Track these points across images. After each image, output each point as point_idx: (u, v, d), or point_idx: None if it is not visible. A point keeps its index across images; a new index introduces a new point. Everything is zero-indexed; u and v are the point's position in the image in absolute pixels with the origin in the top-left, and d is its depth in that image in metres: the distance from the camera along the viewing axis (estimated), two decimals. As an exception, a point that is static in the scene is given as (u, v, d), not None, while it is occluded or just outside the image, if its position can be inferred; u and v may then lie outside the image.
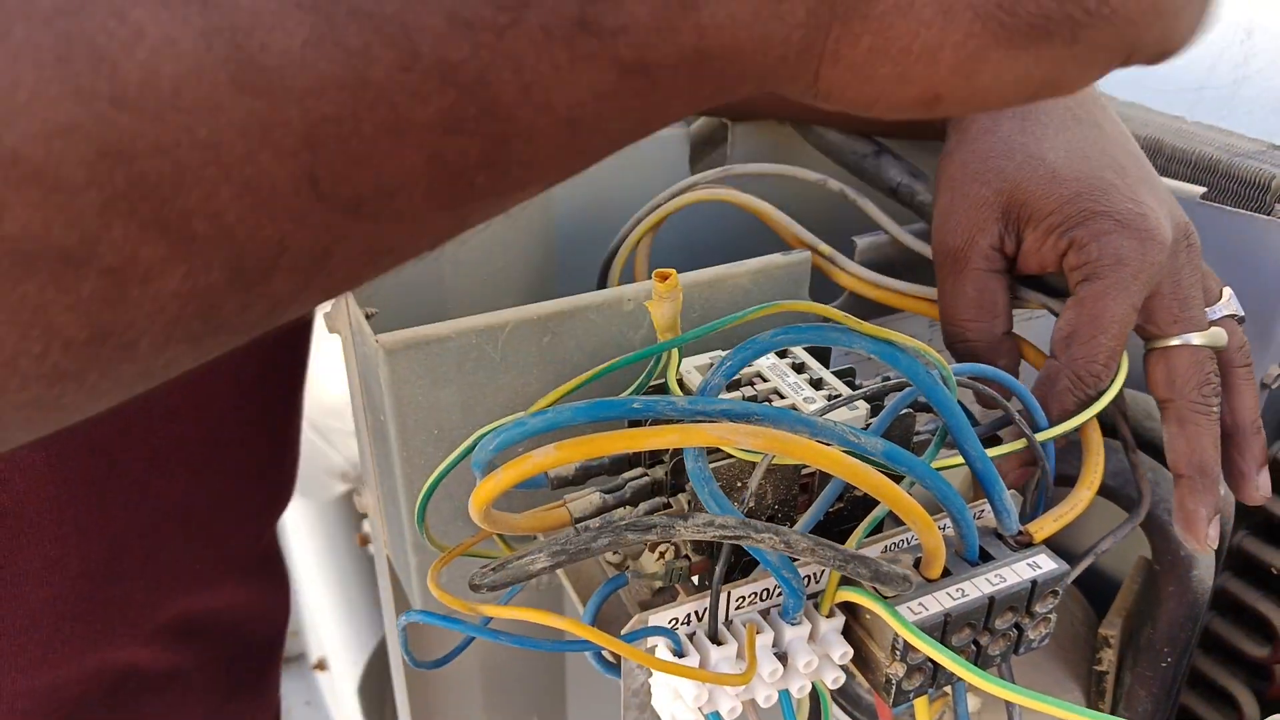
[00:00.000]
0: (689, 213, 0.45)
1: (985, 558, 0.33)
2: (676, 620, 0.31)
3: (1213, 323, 0.39)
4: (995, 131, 0.39)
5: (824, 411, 0.33)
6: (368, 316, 0.41)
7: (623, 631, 0.30)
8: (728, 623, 0.32)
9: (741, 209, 0.43)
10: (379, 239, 0.18)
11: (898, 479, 0.32)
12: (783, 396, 0.34)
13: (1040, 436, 0.35)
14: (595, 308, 0.37)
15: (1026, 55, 0.19)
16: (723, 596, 0.31)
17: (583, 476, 0.35)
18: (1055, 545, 0.35)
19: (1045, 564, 0.33)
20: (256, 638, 0.53)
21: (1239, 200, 0.45)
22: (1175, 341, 0.37)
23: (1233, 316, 0.39)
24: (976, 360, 0.39)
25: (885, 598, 0.31)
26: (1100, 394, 0.37)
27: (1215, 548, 0.38)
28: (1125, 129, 0.40)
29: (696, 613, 0.31)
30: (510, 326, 0.36)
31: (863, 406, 0.34)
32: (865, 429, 0.33)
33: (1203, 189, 0.44)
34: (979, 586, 0.32)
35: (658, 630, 0.30)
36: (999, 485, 0.32)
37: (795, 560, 0.30)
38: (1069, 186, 0.37)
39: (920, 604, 0.31)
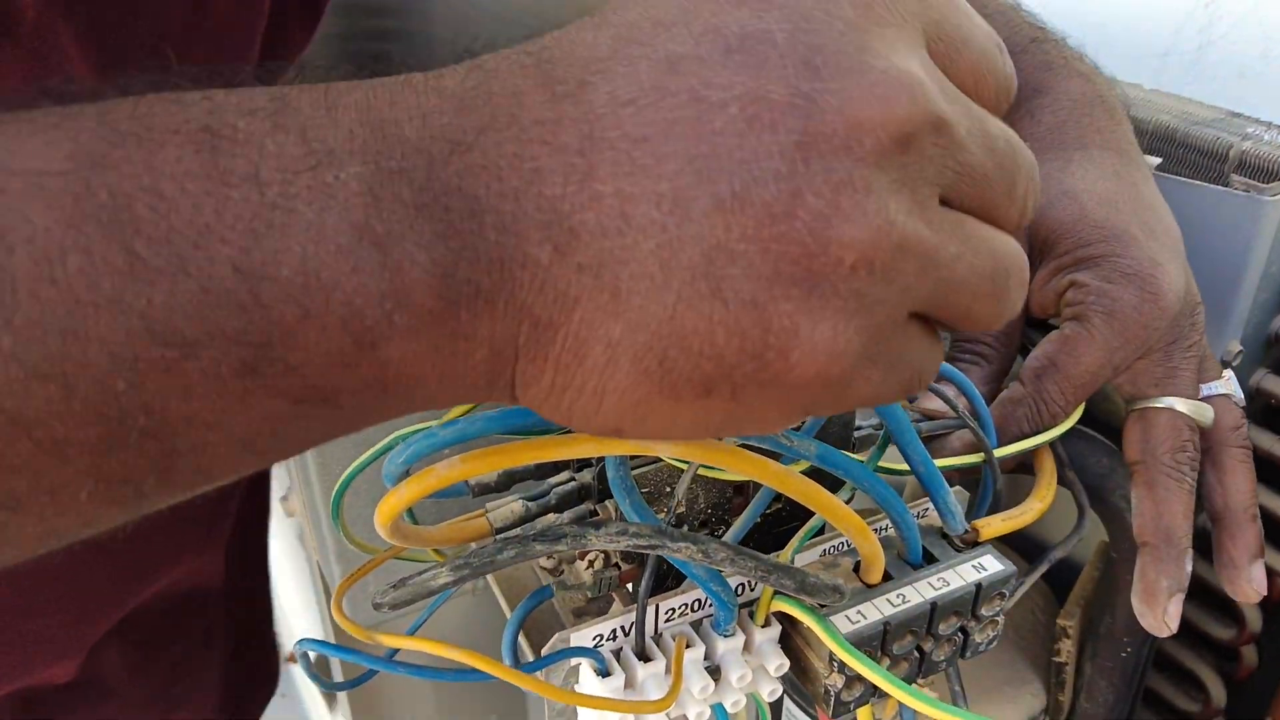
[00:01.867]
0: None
1: (930, 559, 0.32)
2: (601, 637, 0.29)
3: (1205, 399, 0.37)
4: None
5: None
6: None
7: (543, 651, 0.29)
8: (657, 636, 0.30)
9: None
10: (45, 526, 0.19)
11: (839, 481, 0.31)
12: (714, 395, 0.33)
13: (1000, 452, 0.34)
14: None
15: (691, 406, 0.19)
16: (651, 609, 0.29)
17: (507, 483, 0.33)
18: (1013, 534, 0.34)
19: (991, 565, 0.31)
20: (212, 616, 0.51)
21: (1196, 170, 0.43)
22: (1155, 404, 0.36)
23: (1228, 397, 0.37)
24: (978, 372, 0.38)
25: (821, 606, 0.29)
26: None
27: (1174, 628, 0.36)
28: (1166, 205, 0.38)
29: (623, 627, 0.30)
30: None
31: (798, 404, 0.32)
32: (799, 429, 0.32)
33: (1159, 159, 0.42)
34: (920, 591, 0.30)
35: (579, 651, 0.28)
36: (943, 487, 0.31)
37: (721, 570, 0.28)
38: (1091, 229, 0.36)
39: (859, 612, 0.30)
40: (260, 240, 0.17)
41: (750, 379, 0.19)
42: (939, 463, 0.34)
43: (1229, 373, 0.37)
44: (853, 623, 0.29)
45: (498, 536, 0.31)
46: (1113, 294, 0.34)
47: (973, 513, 0.35)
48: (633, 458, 0.29)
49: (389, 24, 1.19)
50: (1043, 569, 0.37)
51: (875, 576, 0.30)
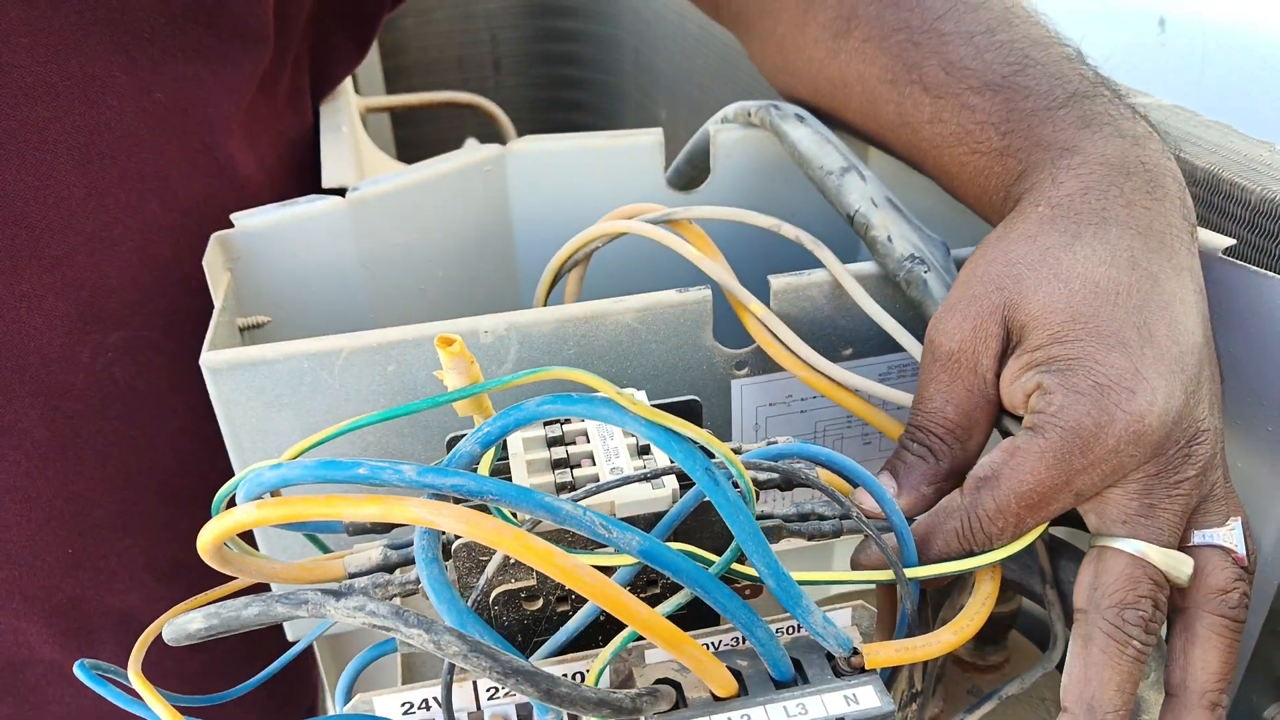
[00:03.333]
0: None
1: (804, 679, 0.28)
2: (411, 705, 0.28)
3: (1192, 548, 0.30)
4: (1037, 240, 0.33)
5: (619, 484, 0.29)
6: (254, 326, 0.40)
7: (344, 709, 0.28)
8: (478, 714, 0.28)
9: (659, 243, 0.38)
10: None
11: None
12: (594, 463, 0.30)
13: (911, 573, 0.30)
14: (446, 339, 0.34)
15: None
16: (467, 686, 0.28)
17: (386, 526, 0.32)
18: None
19: (867, 699, 0.27)
20: None
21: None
22: (1113, 544, 0.30)
23: (1227, 552, 0.30)
24: (923, 468, 0.33)
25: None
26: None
27: None
28: (1197, 302, 0.32)
29: (436, 698, 0.28)
30: (346, 352, 0.34)
31: (671, 484, 0.29)
32: (662, 515, 0.29)
33: (1229, 241, 0.35)
34: (770, 715, 0.27)
35: None
36: (802, 603, 0.27)
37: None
38: (1072, 324, 0.30)
39: (689, 728, 0.27)
40: None
41: None
42: (842, 577, 0.30)
43: (1236, 521, 0.30)
44: (677, 739, 0.26)
45: (349, 579, 0.30)
46: (1077, 409, 0.29)
47: (890, 635, 0.31)
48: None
49: (578, 26, 1.21)
50: (986, 708, 0.32)
51: (721, 690, 0.27)
